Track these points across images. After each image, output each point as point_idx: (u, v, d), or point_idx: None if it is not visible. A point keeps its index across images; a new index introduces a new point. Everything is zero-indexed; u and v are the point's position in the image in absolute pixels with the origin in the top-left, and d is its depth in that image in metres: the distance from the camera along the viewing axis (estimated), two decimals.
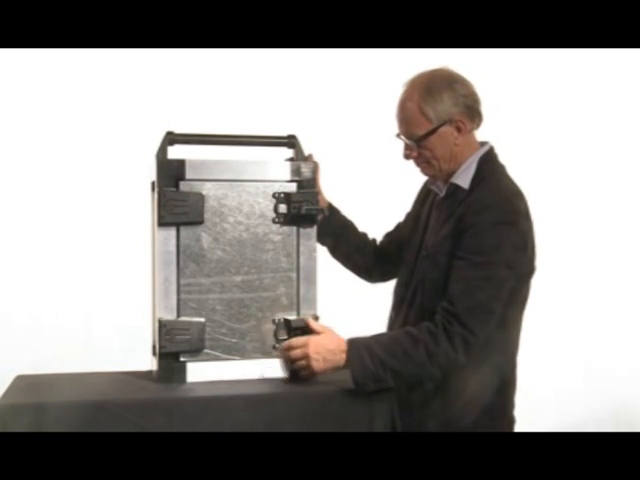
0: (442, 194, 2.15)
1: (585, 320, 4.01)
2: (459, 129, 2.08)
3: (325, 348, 1.94)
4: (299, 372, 1.99)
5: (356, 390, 1.92)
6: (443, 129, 2.07)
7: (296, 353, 1.96)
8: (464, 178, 2.10)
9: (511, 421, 2.16)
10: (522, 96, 3.89)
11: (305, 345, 1.95)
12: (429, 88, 2.07)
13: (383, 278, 2.40)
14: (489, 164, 2.12)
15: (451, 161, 2.10)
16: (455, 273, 1.99)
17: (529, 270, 2.09)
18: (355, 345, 1.95)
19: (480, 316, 1.96)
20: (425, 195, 2.28)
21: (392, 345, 1.95)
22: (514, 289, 2.04)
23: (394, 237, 2.38)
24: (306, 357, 1.95)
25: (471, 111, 2.10)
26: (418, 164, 2.14)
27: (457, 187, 2.10)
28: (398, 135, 2.13)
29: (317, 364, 1.94)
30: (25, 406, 1.81)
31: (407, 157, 2.13)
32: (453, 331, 1.93)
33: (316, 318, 2.04)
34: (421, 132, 2.07)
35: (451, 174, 2.12)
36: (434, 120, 2.06)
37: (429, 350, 1.92)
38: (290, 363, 1.98)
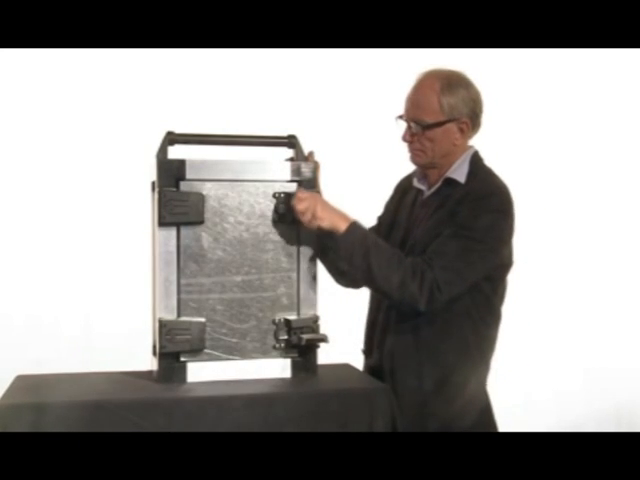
0: (430, 191, 2.17)
1: (585, 320, 4.01)
2: (462, 130, 2.12)
3: (330, 207, 2.01)
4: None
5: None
6: (450, 125, 2.11)
7: (302, 204, 1.98)
8: (460, 173, 2.13)
9: (489, 408, 2.18)
10: (511, 97, 3.88)
11: (313, 199, 1.99)
12: (450, 82, 2.11)
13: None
14: (479, 163, 2.17)
15: (444, 157, 2.14)
16: (441, 238, 2.04)
17: (509, 262, 2.14)
18: (356, 224, 2.02)
19: (451, 276, 2.00)
20: (401, 197, 2.29)
21: (385, 249, 2.03)
22: (501, 278, 2.11)
23: None
24: (312, 210, 1.98)
25: (475, 118, 2.14)
26: (412, 150, 2.16)
27: (452, 181, 2.12)
28: (401, 117, 2.15)
29: (321, 215, 1.99)
30: (25, 406, 1.81)
31: (405, 139, 2.15)
32: (425, 279, 1.98)
33: (317, 320, 2.04)
34: (431, 120, 2.10)
35: (441, 170, 2.15)
36: (446, 113, 2.10)
37: (406, 279, 1.98)
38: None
